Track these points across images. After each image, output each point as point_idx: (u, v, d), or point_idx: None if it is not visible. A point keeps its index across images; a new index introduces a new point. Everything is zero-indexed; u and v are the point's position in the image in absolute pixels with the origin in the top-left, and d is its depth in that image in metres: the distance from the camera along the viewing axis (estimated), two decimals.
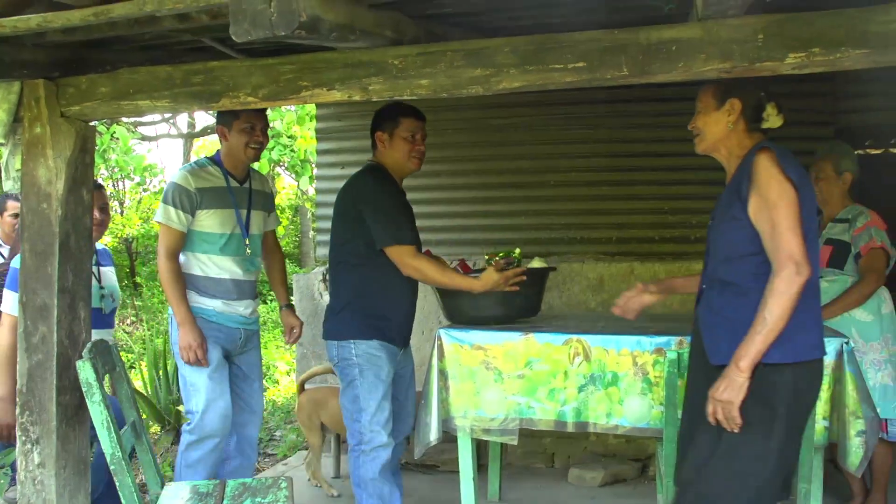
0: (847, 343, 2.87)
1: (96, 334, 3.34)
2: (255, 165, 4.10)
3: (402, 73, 2.40)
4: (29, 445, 2.75)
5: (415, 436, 3.19)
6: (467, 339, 3.16)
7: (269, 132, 3.79)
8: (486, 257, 3.38)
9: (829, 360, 2.85)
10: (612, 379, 3.01)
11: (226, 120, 3.28)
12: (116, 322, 7.35)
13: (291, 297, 3.92)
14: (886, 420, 3.42)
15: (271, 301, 10.38)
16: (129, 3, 2.20)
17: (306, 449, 5.24)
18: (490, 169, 4.77)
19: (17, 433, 2.80)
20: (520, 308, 3.33)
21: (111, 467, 2.59)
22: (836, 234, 3.55)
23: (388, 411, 3.14)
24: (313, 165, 7.88)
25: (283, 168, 11.59)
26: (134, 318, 10.41)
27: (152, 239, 11.64)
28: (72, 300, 2.80)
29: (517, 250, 3.50)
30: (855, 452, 2.79)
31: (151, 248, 11.75)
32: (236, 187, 3.37)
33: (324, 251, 5.17)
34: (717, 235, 2.45)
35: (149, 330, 9.09)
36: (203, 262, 3.30)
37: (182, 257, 3.30)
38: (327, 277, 5.15)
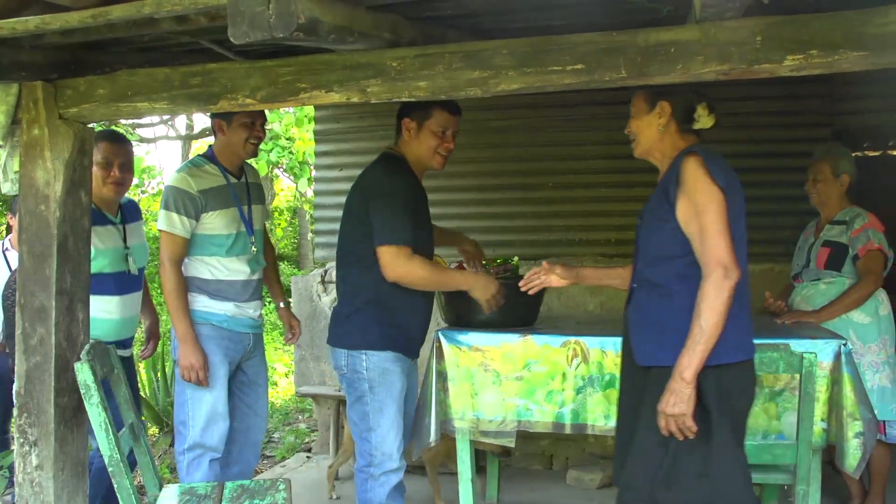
0: (845, 345, 2.88)
1: (120, 301, 3.34)
2: (254, 165, 4.08)
3: (400, 75, 2.40)
4: (27, 447, 2.74)
5: (413, 437, 3.17)
6: (466, 340, 3.16)
7: (268, 134, 3.77)
8: (484, 263, 3.34)
9: (826, 362, 2.86)
10: (610, 381, 3.01)
11: (224, 114, 3.13)
12: None
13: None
14: (884, 422, 3.42)
15: (268, 301, 10.36)
16: (127, 5, 2.20)
17: (306, 451, 5.25)
18: (488, 171, 4.78)
19: (15, 435, 2.80)
20: (518, 316, 3.24)
21: (109, 469, 2.59)
22: (833, 236, 3.56)
23: (400, 431, 2.91)
24: (312, 167, 7.88)
25: (281, 170, 11.60)
26: None
27: (151, 241, 11.59)
28: (70, 302, 2.79)
29: (515, 258, 3.49)
30: (853, 454, 2.79)
31: (150, 248, 11.69)
32: (235, 183, 3.27)
33: (322, 253, 5.18)
34: (646, 236, 2.46)
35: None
36: (212, 265, 3.19)
37: (187, 261, 3.20)
38: (326, 279, 5.18)
